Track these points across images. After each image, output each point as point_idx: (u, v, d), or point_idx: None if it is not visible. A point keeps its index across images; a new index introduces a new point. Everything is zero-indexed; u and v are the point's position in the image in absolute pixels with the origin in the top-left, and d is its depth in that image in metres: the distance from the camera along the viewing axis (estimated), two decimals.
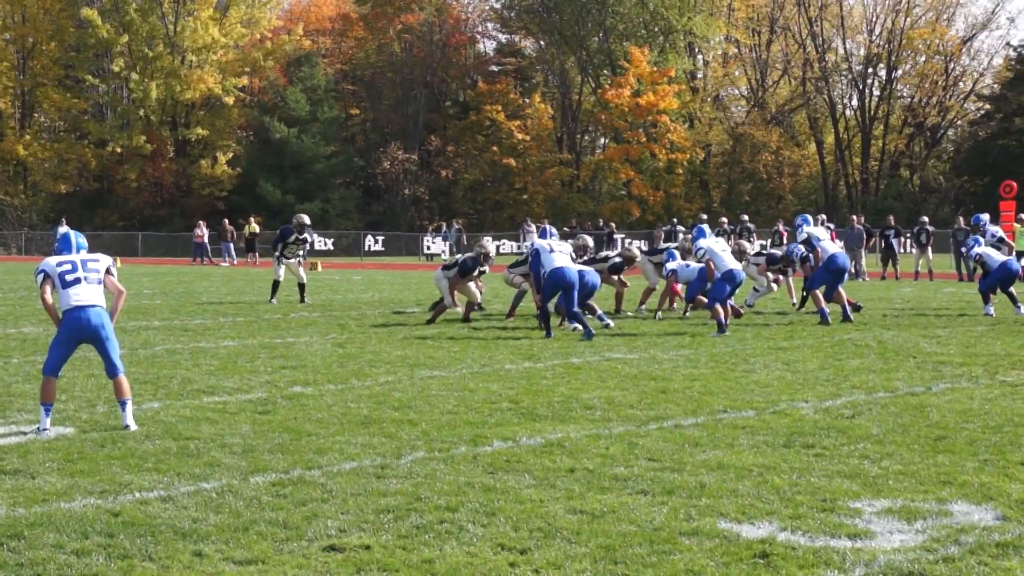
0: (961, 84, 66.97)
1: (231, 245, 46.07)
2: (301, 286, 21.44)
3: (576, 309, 15.25)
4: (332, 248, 56.15)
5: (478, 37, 74.74)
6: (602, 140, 73.13)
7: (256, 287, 26.80)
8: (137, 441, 8.01)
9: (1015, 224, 28.40)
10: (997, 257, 18.41)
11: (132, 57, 61.75)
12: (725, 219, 38.89)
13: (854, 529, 5.80)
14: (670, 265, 18.27)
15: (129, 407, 8.56)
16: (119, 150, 61.07)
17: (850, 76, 66.89)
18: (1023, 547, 5.50)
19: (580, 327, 15.04)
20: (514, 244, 53.01)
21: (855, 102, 67.58)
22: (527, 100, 68.36)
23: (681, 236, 27.42)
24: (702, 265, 16.66)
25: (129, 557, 5.40)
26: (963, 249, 22.20)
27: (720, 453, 7.58)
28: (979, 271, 19.10)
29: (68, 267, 8.60)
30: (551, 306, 15.66)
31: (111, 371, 8.62)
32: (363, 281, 30.97)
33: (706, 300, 16.22)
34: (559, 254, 15.62)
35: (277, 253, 21.21)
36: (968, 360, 12.47)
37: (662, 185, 62.60)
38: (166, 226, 60.38)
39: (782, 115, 68.89)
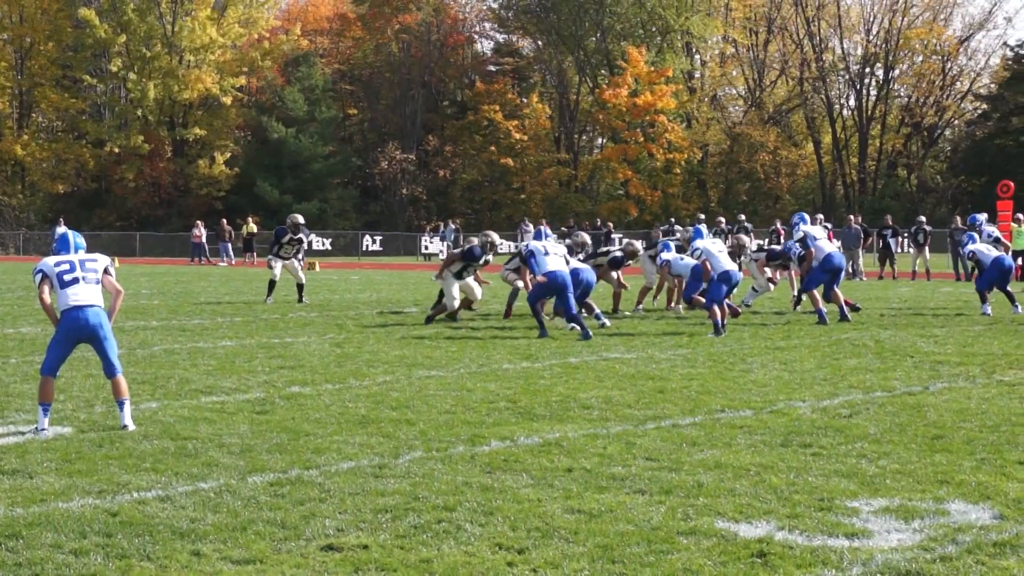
0: (958, 84, 67.04)
1: (229, 245, 46.07)
2: (299, 286, 21.44)
3: (574, 311, 15.22)
4: (330, 248, 56.16)
5: (476, 37, 74.81)
6: (600, 140, 73.18)
7: (254, 287, 26.79)
8: (135, 441, 8.01)
9: (1012, 224, 28.42)
10: (990, 254, 18.41)
11: (130, 57, 61.72)
12: (723, 219, 38.89)
13: (851, 528, 5.81)
14: (664, 255, 18.16)
15: (127, 407, 8.56)
16: (117, 150, 61.04)
17: (847, 76, 66.91)
18: (1020, 546, 5.51)
19: (578, 327, 15.03)
20: (511, 244, 53.02)
21: (852, 102, 67.66)
22: (525, 100, 68.36)
23: (679, 232, 27.37)
24: (696, 262, 16.68)
25: (127, 557, 5.41)
26: (960, 248, 22.21)
27: (718, 452, 7.58)
28: (976, 271, 19.11)
29: (66, 267, 8.60)
30: (551, 306, 15.64)
31: (109, 371, 8.62)
32: (361, 281, 30.96)
33: (703, 300, 16.22)
34: (553, 256, 15.58)
35: (271, 254, 21.26)
36: (965, 359, 12.48)
37: (660, 185, 62.62)
38: (164, 226, 60.35)
39: (779, 115, 68.92)
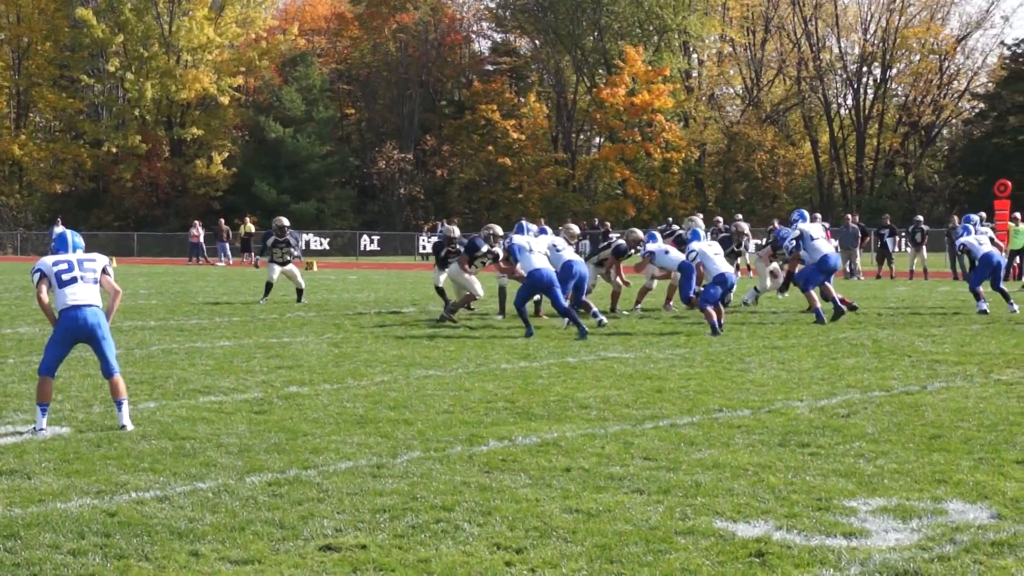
0: (956, 83, 67.06)
1: (227, 245, 46.07)
2: (299, 291, 21.50)
3: (564, 305, 15.19)
4: (328, 248, 56.15)
5: (473, 36, 74.80)
6: (597, 139, 73.22)
7: (252, 287, 26.78)
8: (133, 441, 8.01)
9: (1009, 223, 28.43)
10: (981, 247, 18.41)
11: (127, 57, 61.71)
12: (720, 218, 38.86)
13: (849, 528, 5.81)
14: (649, 246, 17.90)
15: (125, 407, 8.56)
16: (114, 150, 61.01)
17: (845, 75, 66.96)
18: (1018, 545, 5.52)
19: (574, 324, 15.02)
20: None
21: (850, 101, 67.76)
22: (522, 99, 68.40)
23: (679, 232, 27.27)
24: (681, 257, 16.64)
25: (125, 557, 5.40)
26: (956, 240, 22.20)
27: (716, 452, 7.59)
28: (970, 270, 19.11)
29: (64, 267, 8.60)
30: (549, 307, 15.63)
31: (107, 371, 8.62)
32: (359, 281, 30.95)
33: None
34: (537, 254, 15.54)
35: (263, 258, 21.52)
36: (963, 359, 12.49)
37: (657, 184, 62.64)
38: (162, 226, 60.34)
39: (777, 114, 68.95)
